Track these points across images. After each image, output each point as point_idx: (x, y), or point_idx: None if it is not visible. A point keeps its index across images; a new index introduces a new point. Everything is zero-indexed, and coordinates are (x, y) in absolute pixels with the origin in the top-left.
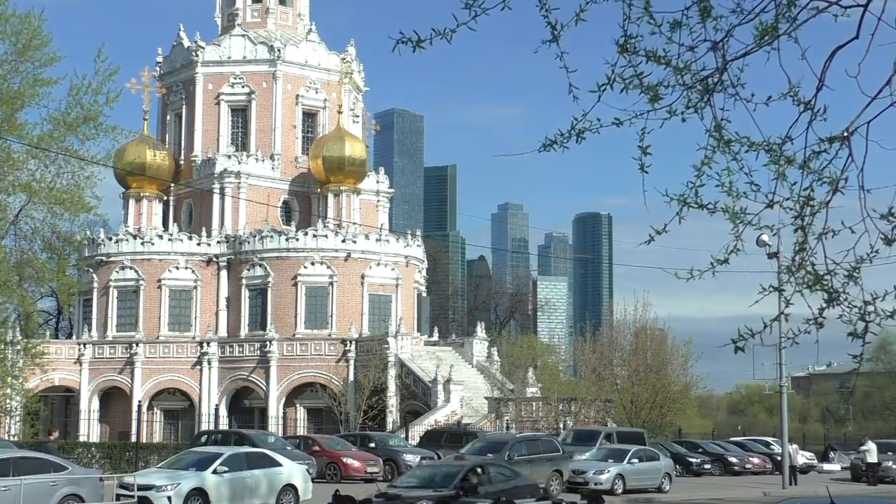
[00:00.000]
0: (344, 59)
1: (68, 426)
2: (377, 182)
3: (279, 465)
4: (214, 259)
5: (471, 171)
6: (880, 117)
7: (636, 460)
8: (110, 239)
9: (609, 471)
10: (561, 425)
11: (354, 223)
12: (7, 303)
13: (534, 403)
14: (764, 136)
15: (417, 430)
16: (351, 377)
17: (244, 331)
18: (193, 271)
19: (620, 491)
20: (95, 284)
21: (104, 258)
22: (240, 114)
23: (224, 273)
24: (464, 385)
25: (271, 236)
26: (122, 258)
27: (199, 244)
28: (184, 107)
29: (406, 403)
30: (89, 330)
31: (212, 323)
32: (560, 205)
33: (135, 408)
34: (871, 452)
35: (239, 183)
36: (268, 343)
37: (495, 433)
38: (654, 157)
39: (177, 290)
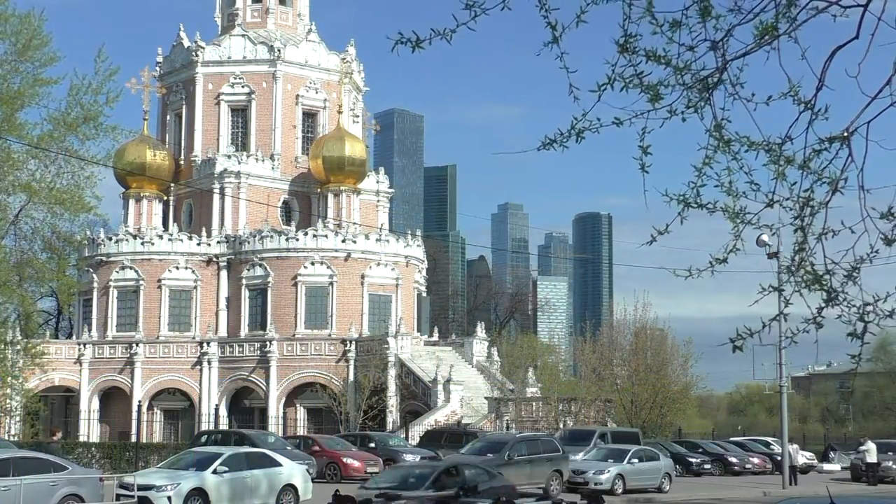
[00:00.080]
0: (344, 59)
1: (68, 426)
2: (377, 182)
3: (279, 465)
4: (214, 259)
5: (471, 171)
6: (880, 117)
7: (636, 460)
8: (110, 239)
9: (609, 471)
10: (561, 425)
11: (354, 223)
12: (7, 303)
13: (534, 403)
14: (764, 136)
15: (417, 430)
16: (351, 377)
17: (244, 331)
18: (193, 271)
19: (620, 491)
20: (95, 284)
21: (104, 258)
22: (240, 114)
23: (224, 273)
24: (464, 385)
25: (271, 236)
26: (122, 258)
27: (199, 244)
28: (184, 107)
29: (406, 403)
30: (89, 330)
31: (212, 323)
32: (560, 205)
33: (135, 408)
34: (871, 452)
35: (239, 183)
36: (268, 343)
37: (495, 433)
38: (655, 157)
39: (177, 290)
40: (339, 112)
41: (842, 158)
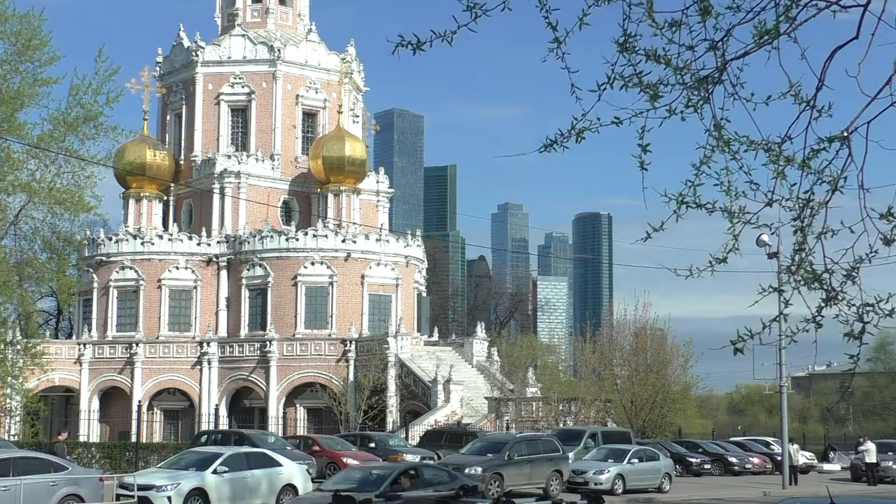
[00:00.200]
0: (344, 59)
1: (68, 426)
2: (377, 182)
3: (279, 465)
4: (214, 259)
5: (471, 171)
6: (880, 117)
7: (636, 460)
8: (110, 239)
9: (609, 471)
10: (561, 425)
11: (354, 223)
12: (7, 303)
13: (534, 403)
14: (763, 136)
15: (417, 430)
16: (351, 377)
17: (244, 331)
18: (193, 271)
19: (620, 491)
20: (95, 284)
21: (104, 258)
22: (240, 114)
23: (224, 273)
24: (464, 385)
25: (271, 236)
26: (122, 258)
27: (199, 244)
28: (184, 107)
29: (406, 403)
30: (89, 330)
31: (212, 323)
32: (560, 205)
33: (135, 408)
34: (871, 452)
35: (239, 183)
36: (268, 343)
37: (495, 433)
38: (655, 157)
39: (177, 290)
40: (339, 112)
41: (842, 158)
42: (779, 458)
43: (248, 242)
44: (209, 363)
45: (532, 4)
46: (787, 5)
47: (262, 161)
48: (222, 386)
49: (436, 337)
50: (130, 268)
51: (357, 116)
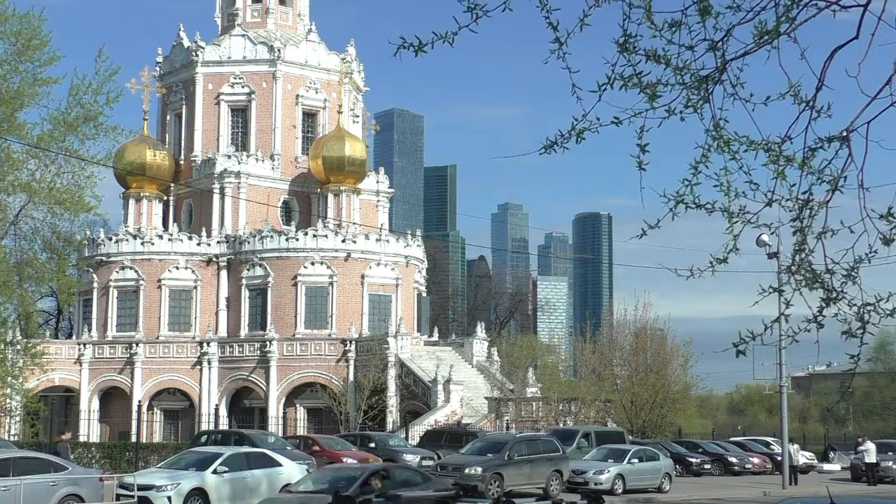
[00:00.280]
0: (344, 59)
1: (65, 427)
2: (377, 182)
3: (279, 465)
4: (214, 259)
5: (471, 171)
6: (880, 117)
7: (636, 460)
8: (110, 239)
9: (609, 471)
10: (561, 425)
11: (354, 223)
12: (7, 303)
13: (534, 403)
14: (763, 136)
15: (417, 430)
16: (351, 377)
17: (244, 331)
18: (193, 271)
19: (620, 491)
20: (95, 284)
21: (104, 258)
22: (240, 114)
23: (224, 273)
24: (464, 385)
25: (271, 236)
26: (122, 258)
27: (199, 244)
28: (184, 107)
29: (406, 403)
30: (89, 330)
31: (212, 323)
32: (560, 205)
33: (135, 408)
34: (870, 452)
35: (239, 183)
36: (268, 343)
37: (495, 433)
38: (654, 157)
39: (177, 290)
40: (339, 112)
41: (841, 158)
42: (779, 458)
43: (248, 242)
44: (209, 363)
45: (532, 5)
46: (787, 5)
47: (262, 161)
48: (222, 386)
49: (436, 337)
50: (130, 268)
51: (357, 116)
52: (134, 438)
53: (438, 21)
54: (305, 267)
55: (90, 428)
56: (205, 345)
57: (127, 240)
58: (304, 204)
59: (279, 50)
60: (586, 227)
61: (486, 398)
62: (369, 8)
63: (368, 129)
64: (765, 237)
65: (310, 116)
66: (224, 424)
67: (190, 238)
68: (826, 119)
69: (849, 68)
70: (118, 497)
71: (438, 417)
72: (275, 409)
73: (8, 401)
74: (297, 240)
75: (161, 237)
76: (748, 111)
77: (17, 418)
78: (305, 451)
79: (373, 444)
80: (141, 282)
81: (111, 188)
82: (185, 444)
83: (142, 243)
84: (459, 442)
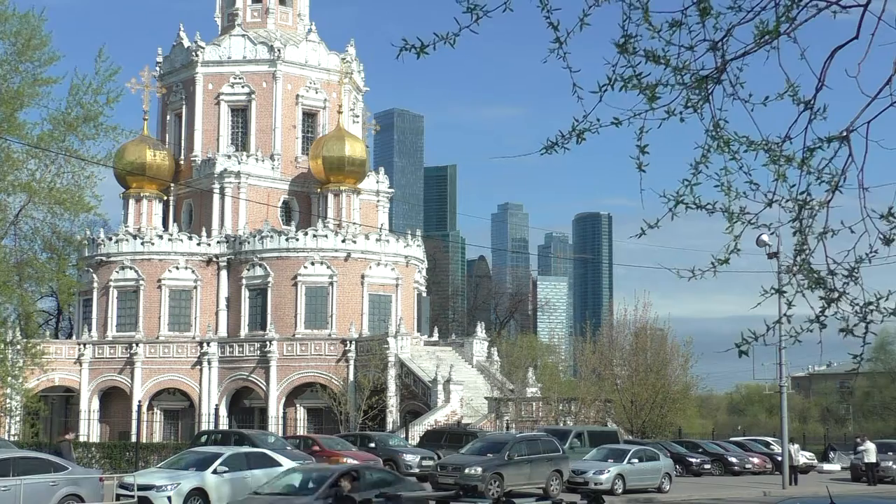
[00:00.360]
0: (344, 59)
1: (68, 426)
2: (377, 182)
3: (279, 465)
4: (214, 259)
5: (471, 171)
6: (880, 117)
7: (636, 460)
8: (110, 239)
9: (609, 471)
10: (561, 425)
11: (354, 223)
12: (7, 303)
13: (534, 403)
14: (763, 136)
15: (417, 430)
16: (351, 377)
17: (244, 331)
18: (193, 271)
19: (620, 491)
20: (95, 284)
21: (104, 258)
22: (240, 114)
23: (224, 273)
24: (464, 385)
25: (271, 236)
26: (122, 258)
27: (199, 244)
28: (184, 107)
29: (406, 403)
30: (89, 330)
31: (212, 323)
32: (560, 205)
33: (135, 408)
34: (870, 452)
35: (239, 183)
36: (268, 343)
37: (495, 433)
38: (654, 158)
39: (177, 290)
40: (339, 112)
41: (841, 158)
42: (779, 458)
43: (248, 242)
44: (209, 363)
45: (533, 5)
46: (787, 5)
47: (262, 161)
48: (222, 386)
49: (436, 337)
50: (130, 268)
51: (357, 116)
52: (134, 438)
53: (439, 21)
54: (305, 267)
55: (90, 428)
56: (205, 345)
57: (127, 240)
58: (304, 204)
59: (279, 50)
60: (586, 227)
61: (486, 398)
62: (369, 8)
63: (368, 129)
64: (765, 237)
65: (310, 116)
66: (224, 424)
67: (190, 238)
68: (825, 119)
69: (849, 68)
70: (118, 497)
71: (438, 417)
72: (275, 409)
73: (8, 401)
74: (297, 240)
75: (161, 237)
76: (748, 111)
77: (17, 418)
78: (305, 451)
79: (373, 444)
80: (141, 282)
81: (111, 188)
82: (185, 444)
83: (142, 243)
84: (459, 442)
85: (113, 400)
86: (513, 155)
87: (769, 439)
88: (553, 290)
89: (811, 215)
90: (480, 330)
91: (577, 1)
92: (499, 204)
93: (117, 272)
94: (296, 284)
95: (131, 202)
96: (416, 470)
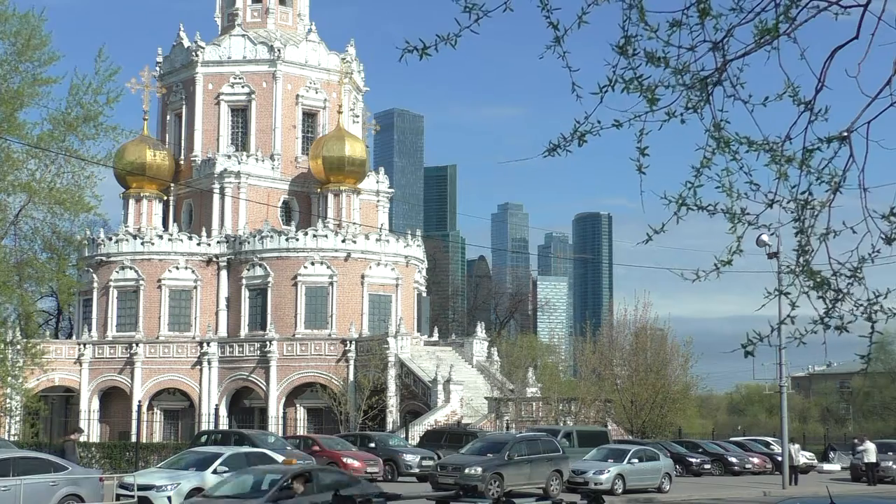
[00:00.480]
0: (344, 59)
1: (68, 426)
2: (377, 182)
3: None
4: (214, 259)
5: (471, 171)
6: (880, 117)
7: (636, 460)
8: (110, 239)
9: (609, 471)
10: (561, 425)
11: (354, 223)
12: (7, 303)
13: (534, 403)
14: (764, 137)
15: (417, 430)
16: (351, 377)
17: (244, 331)
18: (193, 271)
19: (620, 491)
20: (95, 284)
21: (104, 258)
22: (240, 114)
23: (224, 273)
24: (464, 385)
25: (271, 236)
26: (122, 258)
27: (199, 244)
28: (184, 107)
29: (406, 403)
30: (89, 330)
31: (212, 323)
32: (560, 205)
33: (135, 408)
34: (870, 452)
35: (239, 183)
36: (268, 343)
37: (495, 433)
38: (654, 159)
39: (177, 290)
40: (339, 112)
41: (842, 158)
42: (779, 458)
43: (248, 242)
44: (209, 363)
45: (533, 5)
46: (787, 5)
47: (262, 161)
48: (222, 386)
49: (436, 337)
50: (130, 268)
51: (357, 116)
52: (134, 438)
53: (439, 21)
54: (305, 267)
55: (90, 428)
56: (205, 345)
57: (127, 240)
58: (304, 204)
59: (279, 50)
60: (586, 227)
61: (486, 398)
62: (369, 8)
63: (368, 129)
64: (765, 237)
65: (310, 116)
66: (224, 424)
67: (190, 238)
68: (826, 120)
69: (849, 68)
70: (118, 497)
71: (438, 417)
72: (275, 409)
73: (8, 401)
74: (297, 240)
75: (161, 237)
76: (748, 111)
77: (17, 418)
78: (305, 451)
79: (373, 444)
80: (141, 282)
81: (111, 188)
82: (185, 444)
83: (142, 243)
84: (459, 442)
85: (113, 400)
86: (516, 159)
87: (769, 439)
88: (553, 290)
89: (813, 216)
90: (480, 330)
91: (577, 1)
92: (499, 204)
93: (117, 272)
94: (296, 284)
95: (131, 202)
96: (416, 470)
